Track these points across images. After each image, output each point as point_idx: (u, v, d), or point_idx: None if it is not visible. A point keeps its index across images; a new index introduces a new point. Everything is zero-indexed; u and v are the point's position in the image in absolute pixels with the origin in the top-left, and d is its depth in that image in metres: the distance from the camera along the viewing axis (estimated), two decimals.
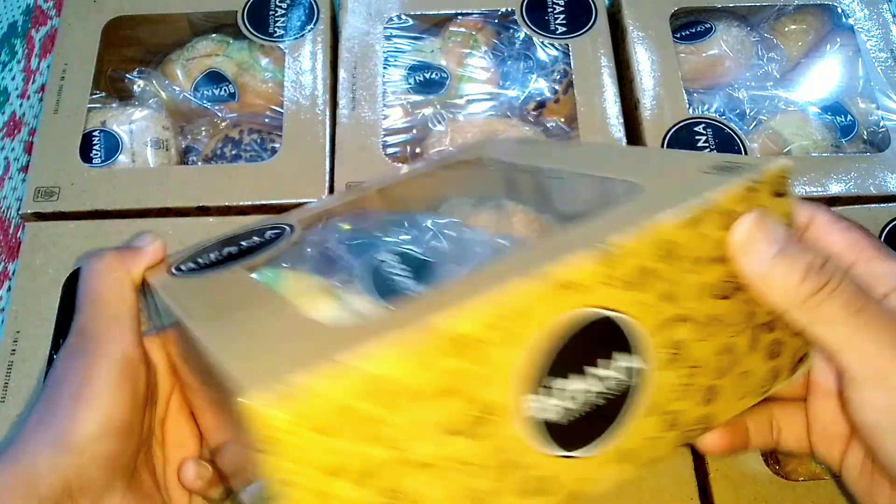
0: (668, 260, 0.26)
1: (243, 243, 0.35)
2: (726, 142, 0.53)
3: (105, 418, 0.29)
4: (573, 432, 0.25)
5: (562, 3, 0.59)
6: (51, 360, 0.48)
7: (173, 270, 0.33)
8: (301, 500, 0.21)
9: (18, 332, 0.47)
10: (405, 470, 0.22)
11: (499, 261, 0.25)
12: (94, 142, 0.55)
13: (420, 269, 0.31)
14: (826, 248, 0.30)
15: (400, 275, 0.31)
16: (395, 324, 0.22)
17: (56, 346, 0.49)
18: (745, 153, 0.53)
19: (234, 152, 0.57)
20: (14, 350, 0.47)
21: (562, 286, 0.24)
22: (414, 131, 0.57)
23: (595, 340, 0.25)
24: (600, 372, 0.25)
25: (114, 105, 0.58)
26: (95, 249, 0.34)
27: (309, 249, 0.34)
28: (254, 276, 0.32)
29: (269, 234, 0.35)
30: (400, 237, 0.33)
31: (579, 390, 0.25)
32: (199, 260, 0.34)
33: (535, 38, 0.59)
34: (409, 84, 0.58)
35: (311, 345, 0.22)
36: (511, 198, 0.39)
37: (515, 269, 0.23)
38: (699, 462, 0.43)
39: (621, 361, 0.26)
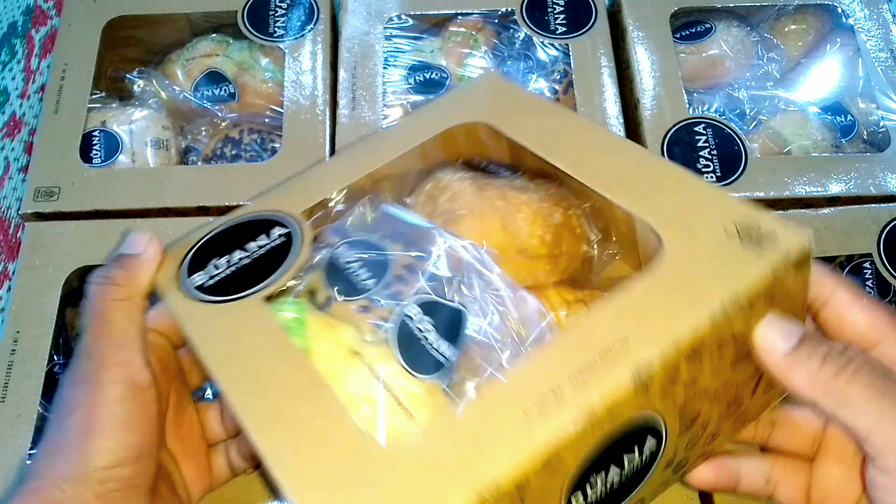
0: (693, 360, 0.26)
1: (252, 247, 0.33)
2: (726, 142, 0.53)
3: (119, 447, 0.28)
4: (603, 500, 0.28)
5: (562, 3, 0.59)
6: (51, 360, 0.48)
7: (185, 283, 0.32)
8: None
9: (18, 332, 0.47)
10: None
11: (535, 399, 0.25)
12: (94, 142, 0.55)
13: (442, 319, 0.31)
14: (847, 326, 0.29)
15: (424, 331, 0.30)
16: (465, 477, 0.23)
17: (56, 346, 0.49)
18: (745, 153, 0.53)
19: (234, 152, 0.57)
20: (14, 350, 0.47)
21: (605, 418, 0.25)
22: None
23: (629, 437, 0.27)
24: (632, 455, 0.27)
25: (114, 105, 0.58)
26: (100, 266, 0.32)
27: (325, 275, 0.33)
28: (278, 316, 0.31)
29: (276, 235, 0.34)
30: (414, 254, 0.33)
31: (615, 477, 0.27)
32: (213, 270, 0.33)
33: (535, 38, 0.59)
34: (409, 84, 0.58)
35: (364, 492, 0.24)
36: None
37: (562, 411, 0.24)
38: None
39: (648, 444, 0.27)
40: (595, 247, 0.36)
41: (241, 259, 0.33)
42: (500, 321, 0.30)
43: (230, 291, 0.31)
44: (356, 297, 0.32)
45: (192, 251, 0.34)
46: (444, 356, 0.30)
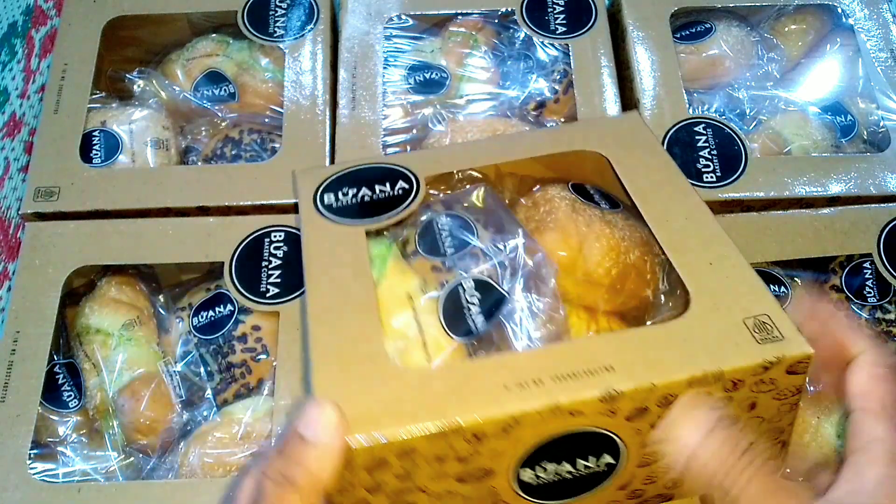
0: (666, 406, 0.30)
1: (378, 189, 0.41)
2: (726, 142, 0.53)
3: None
4: (551, 492, 0.32)
5: (562, 3, 0.59)
6: (51, 360, 0.48)
7: (318, 200, 0.40)
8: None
9: (18, 332, 0.47)
10: (422, 496, 0.31)
11: (522, 375, 0.30)
12: (94, 142, 0.55)
13: (488, 298, 0.36)
14: (847, 382, 0.31)
15: (469, 302, 0.36)
16: (434, 413, 0.29)
17: (56, 346, 0.49)
18: (745, 153, 0.53)
19: (234, 152, 0.57)
20: (14, 350, 0.47)
21: (567, 412, 0.30)
22: (414, 131, 0.57)
23: (587, 444, 0.31)
24: (585, 462, 0.32)
25: (114, 105, 0.58)
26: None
27: (420, 231, 0.41)
28: (370, 248, 0.38)
29: (399, 188, 0.41)
30: (490, 247, 0.39)
31: (565, 470, 0.32)
32: (340, 194, 0.41)
33: (535, 38, 0.59)
34: (409, 84, 0.58)
35: (379, 409, 0.30)
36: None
37: (534, 395, 0.29)
38: None
39: (603, 459, 0.32)
40: (661, 296, 0.39)
41: (364, 196, 0.40)
42: (529, 319, 0.36)
43: (346, 216, 0.39)
44: (434, 258, 0.39)
45: (332, 178, 0.42)
46: (476, 327, 0.36)
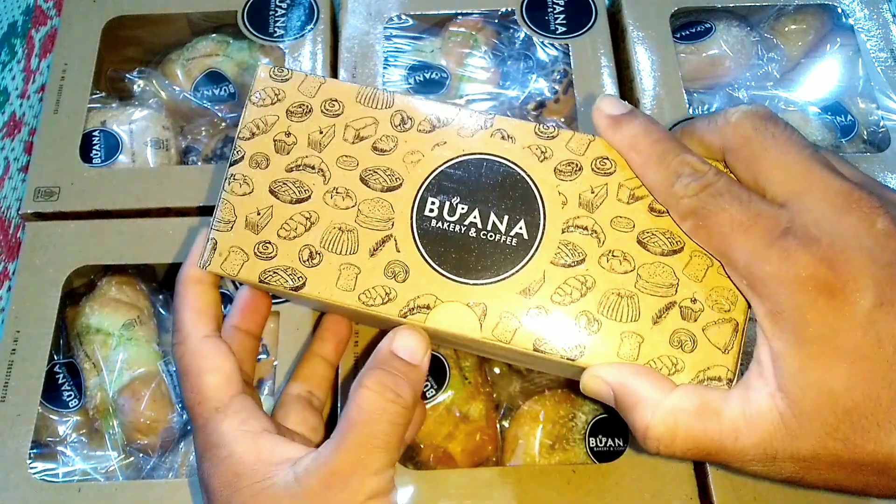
0: (601, 174, 0.28)
1: None
2: None
3: None
4: (444, 254, 0.29)
5: (562, 3, 0.59)
6: (51, 360, 0.48)
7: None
8: (255, 149, 0.31)
9: (18, 331, 0.47)
10: (319, 182, 0.30)
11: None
12: (94, 142, 0.55)
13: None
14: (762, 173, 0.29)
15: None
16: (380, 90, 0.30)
17: (56, 346, 0.49)
18: None
19: None
20: (14, 350, 0.47)
21: (500, 134, 0.29)
22: None
23: (505, 190, 0.29)
24: (497, 220, 0.29)
25: (114, 105, 0.58)
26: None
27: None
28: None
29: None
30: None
31: (470, 221, 0.29)
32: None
33: (535, 38, 0.59)
34: (409, 84, 0.58)
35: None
36: None
37: (477, 118, 0.30)
38: (699, 462, 0.43)
39: (515, 225, 0.29)
40: None
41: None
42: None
43: None
44: None
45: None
46: None
